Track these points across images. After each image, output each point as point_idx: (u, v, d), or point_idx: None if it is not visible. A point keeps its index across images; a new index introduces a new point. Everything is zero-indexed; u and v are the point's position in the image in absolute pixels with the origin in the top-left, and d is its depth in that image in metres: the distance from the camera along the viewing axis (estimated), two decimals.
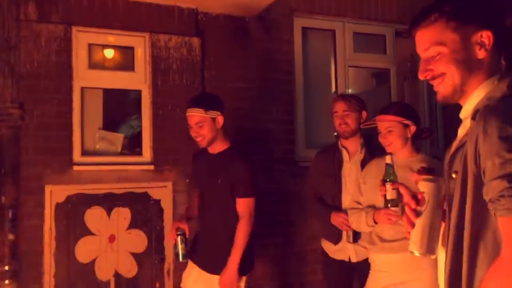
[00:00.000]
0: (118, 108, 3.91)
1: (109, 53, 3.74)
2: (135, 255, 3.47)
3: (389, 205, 2.22)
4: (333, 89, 4.37)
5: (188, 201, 3.00)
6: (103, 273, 3.39)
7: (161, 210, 3.57)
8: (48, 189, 3.30)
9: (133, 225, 3.48)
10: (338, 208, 3.03)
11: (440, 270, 1.38)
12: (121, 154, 3.66)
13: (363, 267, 2.87)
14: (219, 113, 2.74)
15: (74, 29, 3.48)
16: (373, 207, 2.62)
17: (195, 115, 2.70)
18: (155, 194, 3.56)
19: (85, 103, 3.54)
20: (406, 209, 1.37)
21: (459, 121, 1.39)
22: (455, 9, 1.31)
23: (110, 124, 3.74)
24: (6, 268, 3.12)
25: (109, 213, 3.42)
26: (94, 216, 3.39)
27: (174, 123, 3.60)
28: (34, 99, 3.31)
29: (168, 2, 3.65)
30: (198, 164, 2.92)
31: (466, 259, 1.22)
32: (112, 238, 3.42)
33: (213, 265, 2.72)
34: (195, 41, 3.76)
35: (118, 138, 3.68)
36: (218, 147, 2.81)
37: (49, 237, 3.28)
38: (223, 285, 2.64)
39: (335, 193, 3.07)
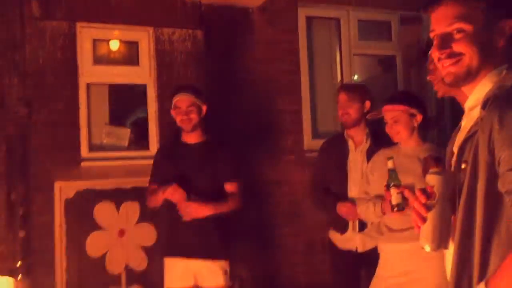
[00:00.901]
0: (124, 103, 3.92)
1: (114, 48, 3.75)
2: (145, 249, 3.50)
3: (395, 209, 2.25)
4: (339, 78, 4.35)
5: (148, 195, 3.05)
6: (114, 266, 3.42)
7: None
8: (57, 185, 3.33)
9: (142, 218, 3.50)
10: (344, 198, 3.04)
11: (447, 260, 1.37)
12: (128, 148, 3.67)
13: (370, 256, 2.88)
14: (203, 101, 2.94)
15: (78, 25, 3.48)
16: (381, 197, 2.62)
17: (186, 99, 2.88)
18: None
19: (91, 99, 3.55)
20: (416, 204, 1.36)
21: None
22: None
23: (117, 119, 3.75)
24: (18, 264, 3.16)
25: (118, 208, 3.45)
26: (103, 211, 3.42)
27: None
28: (40, 96, 3.33)
29: None
30: (173, 157, 2.98)
31: (478, 249, 1.21)
32: (121, 232, 3.45)
33: (207, 250, 2.85)
34: (199, 33, 3.75)
35: (125, 133, 3.69)
36: (198, 137, 2.96)
37: (59, 233, 3.31)
38: (193, 206, 2.77)
39: (341, 182, 3.07)
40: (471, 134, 1.28)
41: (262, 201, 3.71)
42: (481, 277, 1.20)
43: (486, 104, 1.23)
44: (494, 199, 1.18)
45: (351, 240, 3.07)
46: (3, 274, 2.93)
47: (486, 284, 1.15)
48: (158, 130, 3.63)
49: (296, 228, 3.88)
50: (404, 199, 1.81)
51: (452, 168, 1.37)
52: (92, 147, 3.53)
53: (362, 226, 2.98)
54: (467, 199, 1.25)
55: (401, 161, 2.53)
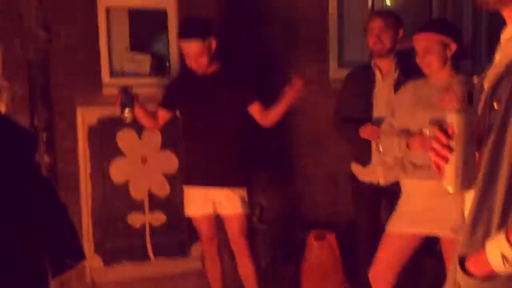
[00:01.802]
0: (145, 29, 3.81)
1: None
2: (167, 176, 3.53)
3: None
4: (369, 4, 4.12)
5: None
6: (137, 192, 3.49)
7: None
8: (79, 111, 3.34)
9: (164, 146, 3.51)
10: None
11: (467, 202, 1.32)
12: (150, 75, 3.61)
13: (391, 190, 2.87)
14: (213, 37, 2.77)
15: None
16: (406, 131, 2.54)
17: (193, 46, 2.71)
18: None
19: (111, 24, 3.46)
20: (435, 144, 1.28)
21: None
22: None
23: (137, 45, 3.67)
24: None
25: (140, 135, 3.46)
26: (125, 138, 3.44)
27: None
28: (59, 20, 3.25)
29: None
30: (186, 88, 2.95)
31: (501, 196, 1.14)
32: (144, 159, 3.48)
33: (225, 178, 2.90)
34: None
35: (146, 59, 3.62)
36: (211, 68, 2.87)
37: (83, 159, 3.36)
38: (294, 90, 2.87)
39: (366, 113, 3.01)
40: (508, 69, 1.16)
41: (285, 131, 3.66)
42: (501, 225, 1.14)
43: None
44: None
45: (373, 173, 3.05)
46: None
47: (506, 233, 1.10)
48: (179, 56, 3.54)
49: (318, 159, 3.86)
50: None
51: (482, 105, 1.26)
52: (113, 73, 3.48)
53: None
54: (496, 141, 1.16)
55: (431, 95, 2.42)
